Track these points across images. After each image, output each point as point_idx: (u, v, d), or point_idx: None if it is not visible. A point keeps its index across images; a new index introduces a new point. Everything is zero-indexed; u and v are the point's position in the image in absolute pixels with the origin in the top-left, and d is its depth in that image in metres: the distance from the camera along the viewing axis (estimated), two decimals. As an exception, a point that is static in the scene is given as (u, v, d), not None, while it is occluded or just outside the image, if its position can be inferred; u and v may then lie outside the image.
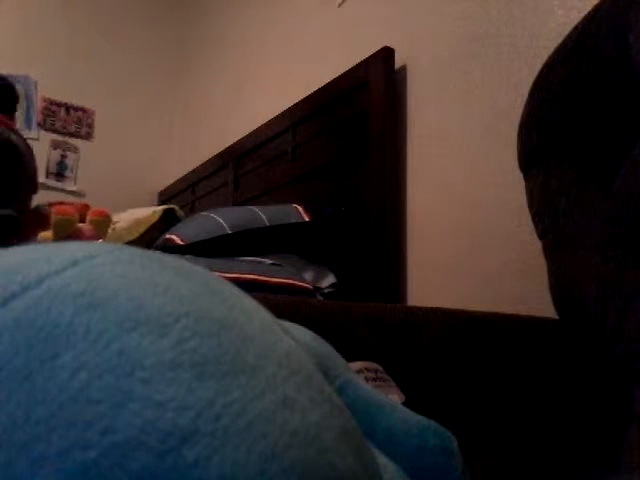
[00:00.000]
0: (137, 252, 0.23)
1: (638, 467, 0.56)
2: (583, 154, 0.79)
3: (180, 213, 1.82)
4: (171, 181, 2.71)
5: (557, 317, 0.83)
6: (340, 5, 1.78)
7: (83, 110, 2.79)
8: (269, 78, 2.19)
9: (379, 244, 1.38)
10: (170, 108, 3.03)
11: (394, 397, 0.55)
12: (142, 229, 1.67)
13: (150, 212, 1.74)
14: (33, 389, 0.16)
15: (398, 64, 1.49)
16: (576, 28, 0.80)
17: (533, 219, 0.85)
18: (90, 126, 2.80)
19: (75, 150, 2.75)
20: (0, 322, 0.18)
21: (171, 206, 1.83)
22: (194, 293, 0.22)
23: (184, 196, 2.53)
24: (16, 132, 1.31)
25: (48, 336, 0.18)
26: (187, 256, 1.22)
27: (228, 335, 0.20)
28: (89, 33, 2.85)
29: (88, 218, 1.33)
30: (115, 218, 1.71)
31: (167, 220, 1.72)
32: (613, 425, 0.67)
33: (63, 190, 2.64)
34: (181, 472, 0.16)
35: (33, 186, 1.37)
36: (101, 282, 0.20)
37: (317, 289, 1.33)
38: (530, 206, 0.85)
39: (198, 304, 0.21)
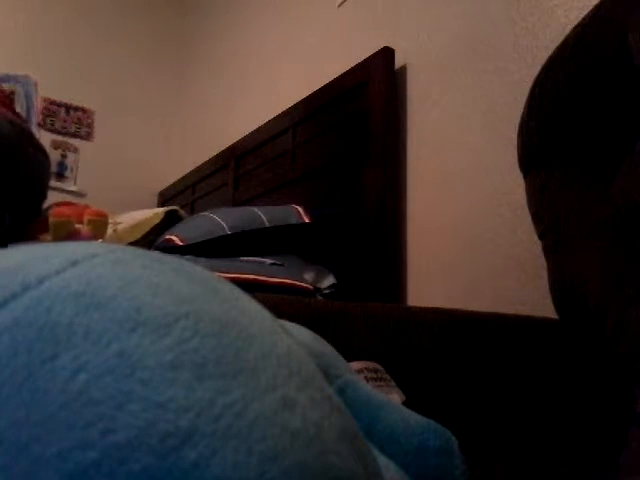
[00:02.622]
0: (137, 252, 0.23)
1: (638, 468, 0.56)
2: (583, 154, 0.79)
3: (183, 214, 1.81)
4: (171, 181, 2.71)
5: (557, 317, 0.83)
6: (340, 5, 1.78)
7: (83, 110, 2.78)
8: (269, 78, 2.19)
9: (379, 244, 1.38)
10: (170, 108, 3.02)
11: (394, 397, 0.55)
12: (144, 230, 1.67)
13: (152, 214, 1.74)
14: (33, 390, 0.16)
15: (398, 64, 1.49)
16: (576, 28, 0.80)
17: (533, 219, 0.85)
18: (90, 126, 2.80)
19: (75, 150, 2.75)
20: (0, 322, 0.18)
21: (173, 207, 1.82)
22: (194, 293, 0.22)
23: (184, 196, 2.53)
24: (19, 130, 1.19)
25: (48, 336, 0.18)
26: (187, 257, 1.22)
27: (228, 335, 0.20)
28: (89, 33, 2.85)
29: (85, 219, 1.31)
30: (117, 219, 1.71)
31: (169, 222, 1.71)
32: (613, 425, 0.67)
33: (63, 190, 2.64)
34: (181, 473, 0.16)
35: (36, 191, 1.29)
36: (101, 282, 0.20)
37: (317, 290, 1.33)
38: (530, 206, 0.85)
39: (198, 304, 0.21)
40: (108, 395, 0.17)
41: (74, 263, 0.21)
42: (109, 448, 0.16)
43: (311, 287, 1.26)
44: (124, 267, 0.21)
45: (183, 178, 2.57)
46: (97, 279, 0.20)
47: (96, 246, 0.23)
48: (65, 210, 1.30)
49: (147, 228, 1.67)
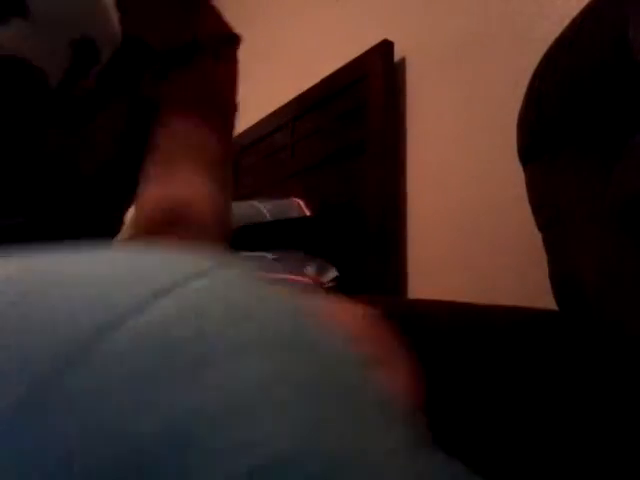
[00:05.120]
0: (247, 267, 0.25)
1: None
2: (583, 146, 0.79)
3: None
4: (171, 176, 2.71)
5: (558, 309, 0.83)
6: (338, -2, 1.77)
7: (82, 106, 2.78)
8: (267, 72, 2.18)
9: (379, 237, 1.38)
10: (169, 103, 3.02)
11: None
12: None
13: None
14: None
15: (397, 57, 1.48)
16: (575, 21, 0.80)
17: (533, 211, 0.85)
18: (89, 122, 2.80)
19: (74, 147, 2.75)
20: (143, 328, 0.18)
21: None
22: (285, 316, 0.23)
23: (184, 191, 2.52)
24: None
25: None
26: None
27: (317, 362, 0.21)
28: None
29: None
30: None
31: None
32: (617, 425, 0.68)
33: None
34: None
35: None
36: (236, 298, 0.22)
37: (319, 284, 1.33)
38: (530, 198, 0.86)
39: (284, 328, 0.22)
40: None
41: (201, 274, 0.23)
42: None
43: (312, 282, 1.27)
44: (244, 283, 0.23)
45: (183, 173, 2.56)
46: (228, 290, 0.22)
47: (220, 256, 0.24)
48: None
49: None
